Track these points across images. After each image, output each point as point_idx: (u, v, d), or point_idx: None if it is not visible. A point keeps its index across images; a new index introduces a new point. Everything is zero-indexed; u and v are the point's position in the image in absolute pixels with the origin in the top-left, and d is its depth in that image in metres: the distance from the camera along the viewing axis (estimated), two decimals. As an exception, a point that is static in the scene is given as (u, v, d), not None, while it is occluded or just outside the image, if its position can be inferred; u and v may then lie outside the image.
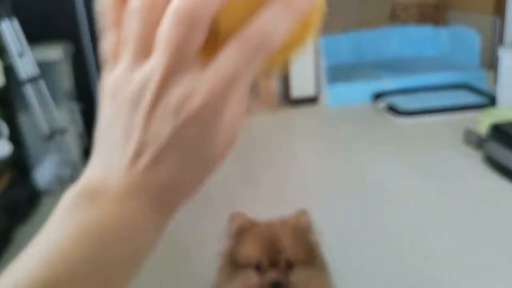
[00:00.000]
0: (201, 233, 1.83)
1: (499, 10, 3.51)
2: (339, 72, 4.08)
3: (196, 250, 1.72)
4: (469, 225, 1.79)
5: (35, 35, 2.38)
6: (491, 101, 3.19)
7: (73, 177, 2.42)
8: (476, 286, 1.46)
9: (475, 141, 2.49)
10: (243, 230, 1.02)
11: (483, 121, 2.47)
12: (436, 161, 2.40)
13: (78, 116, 2.59)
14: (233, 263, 1.02)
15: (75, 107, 2.56)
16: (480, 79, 3.69)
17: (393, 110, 3.20)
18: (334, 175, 2.33)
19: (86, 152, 2.69)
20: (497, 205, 1.93)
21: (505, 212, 1.87)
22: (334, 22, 5.09)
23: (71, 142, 2.42)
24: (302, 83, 3.54)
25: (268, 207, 2.08)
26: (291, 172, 2.42)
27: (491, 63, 3.75)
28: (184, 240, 1.75)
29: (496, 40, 3.62)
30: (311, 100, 3.58)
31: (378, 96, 3.51)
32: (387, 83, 3.68)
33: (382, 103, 3.36)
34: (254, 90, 3.55)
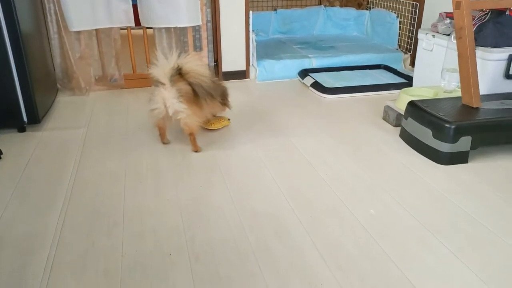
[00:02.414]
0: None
1: (418, -5, 3.73)
2: (267, 49, 4.11)
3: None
4: (386, 192, 1.92)
5: None
6: (408, 81, 3.42)
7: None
8: (397, 252, 1.57)
9: (393, 118, 2.65)
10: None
11: (401, 99, 2.64)
12: (357, 135, 2.53)
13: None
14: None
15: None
16: (397, 60, 3.93)
17: (318, 86, 3.30)
18: (260, 145, 2.36)
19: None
20: (411, 175, 2.08)
21: (418, 181, 2.02)
22: (265, 1, 5.08)
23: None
24: (232, 58, 3.52)
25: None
26: (220, 141, 2.41)
27: (407, 46, 4.00)
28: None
29: (415, 24, 3.84)
30: (241, 75, 3.58)
31: (304, 73, 3.60)
32: (313, 61, 3.78)
33: (308, 80, 3.44)
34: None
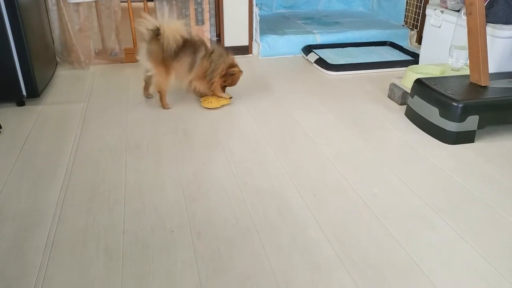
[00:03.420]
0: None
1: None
2: (271, 24, 4.01)
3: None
4: (390, 171, 1.89)
5: None
6: (414, 58, 3.35)
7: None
8: (400, 231, 1.56)
9: (399, 96, 2.60)
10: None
11: (407, 77, 2.58)
12: (362, 113, 2.48)
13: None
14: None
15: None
16: (404, 37, 3.84)
17: (322, 63, 3.24)
18: (262, 122, 2.32)
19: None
20: (416, 154, 2.05)
21: (423, 161, 1.99)
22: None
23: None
24: (235, 32, 3.44)
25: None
26: (221, 118, 2.37)
27: (414, 23, 3.90)
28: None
29: (423, 1, 3.74)
30: (243, 50, 3.50)
31: (308, 49, 3.52)
32: (317, 37, 3.70)
33: (312, 56, 3.37)
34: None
